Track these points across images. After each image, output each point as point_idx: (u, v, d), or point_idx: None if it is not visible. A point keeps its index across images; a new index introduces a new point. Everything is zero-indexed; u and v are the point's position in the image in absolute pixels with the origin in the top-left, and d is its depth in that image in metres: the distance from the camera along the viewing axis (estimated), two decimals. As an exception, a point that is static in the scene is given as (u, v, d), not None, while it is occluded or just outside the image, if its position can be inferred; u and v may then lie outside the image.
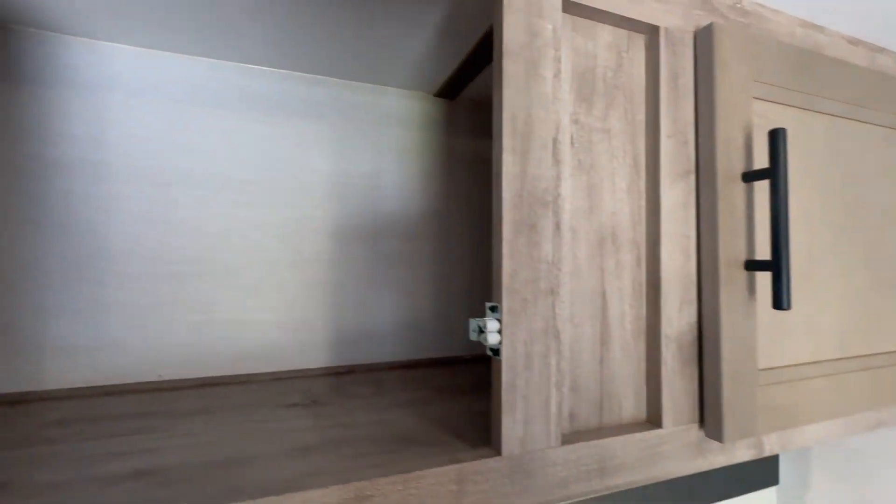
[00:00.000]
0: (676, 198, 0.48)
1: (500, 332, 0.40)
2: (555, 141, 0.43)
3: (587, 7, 0.45)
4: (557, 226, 0.43)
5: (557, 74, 0.43)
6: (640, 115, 0.49)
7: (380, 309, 0.81)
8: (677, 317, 0.48)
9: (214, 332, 0.70)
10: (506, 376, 0.40)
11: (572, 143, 0.46)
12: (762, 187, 0.51)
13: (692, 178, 0.50)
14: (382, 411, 0.54)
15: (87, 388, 0.62)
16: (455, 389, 0.65)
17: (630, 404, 0.48)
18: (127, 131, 0.66)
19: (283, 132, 0.75)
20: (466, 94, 0.87)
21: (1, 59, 0.60)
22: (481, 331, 0.41)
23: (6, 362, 0.59)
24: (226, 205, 0.72)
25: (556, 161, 0.43)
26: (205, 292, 0.70)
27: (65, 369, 0.62)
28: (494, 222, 0.41)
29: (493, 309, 0.41)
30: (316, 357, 0.76)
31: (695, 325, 0.49)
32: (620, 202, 0.48)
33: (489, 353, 0.41)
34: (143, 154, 0.67)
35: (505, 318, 0.40)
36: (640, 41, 0.50)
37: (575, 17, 0.46)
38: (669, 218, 0.48)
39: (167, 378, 0.67)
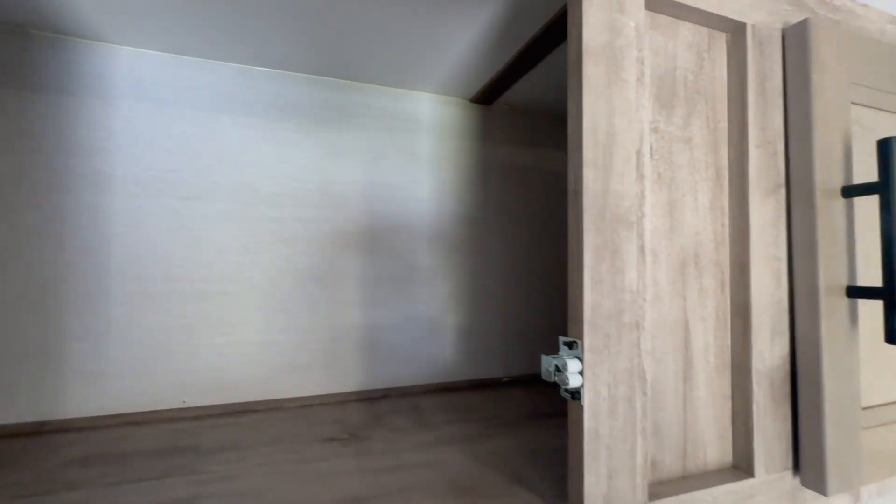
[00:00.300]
0: (766, 215, 0.43)
1: (581, 373, 0.35)
2: (638, 153, 0.37)
3: (670, 2, 0.40)
4: (642, 249, 0.38)
5: (640, 78, 0.38)
6: (723, 123, 0.44)
7: (414, 327, 0.76)
8: (769, 349, 0.42)
9: (241, 355, 0.66)
10: (588, 424, 0.34)
11: (652, 155, 0.41)
12: (861, 204, 0.46)
13: (782, 192, 0.44)
14: (430, 450, 0.49)
15: (110, 416, 0.58)
16: (501, 420, 0.59)
17: (715, 449, 0.42)
18: (152, 141, 0.63)
19: (315, 142, 0.71)
20: (503, 100, 0.82)
21: (21, 65, 0.57)
22: (559, 370, 0.36)
23: (27, 389, 0.55)
24: (253, 219, 0.67)
25: (640, 176, 0.38)
26: (231, 312, 0.66)
27: (87, 396, 0.58)
28: (572, 247, 0.36)
29: (571, 345, 0.36)
30: (348, 380, 0.71)
31: (787, 359, 0.43)
32: (703, 220, 0.43)
33: (565, 394, 0.36)
34: (168, 165, 0.63)
35: (587, 356, 0.35)
36: (721, 40, 0.45)
37: (656, 14, 0.41)
38: (758, 238, 0.43)
39: (192, 405, 0.63)
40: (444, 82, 0.74)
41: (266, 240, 0.68)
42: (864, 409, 0.45)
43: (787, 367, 0.43)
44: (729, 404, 0.43)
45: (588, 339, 0.35)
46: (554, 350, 0.86)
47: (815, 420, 0.41)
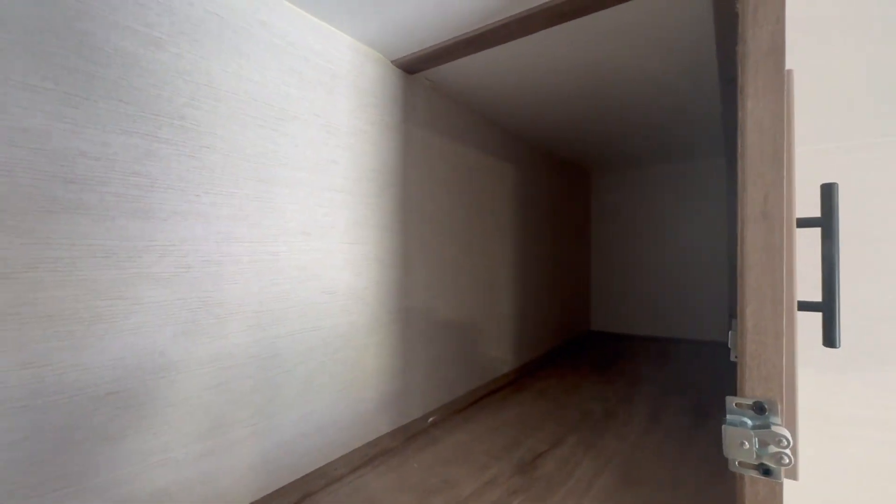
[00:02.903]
0: None
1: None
2: None
3: None
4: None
5: None
6: None
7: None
8: None
9: None
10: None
11: None
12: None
13: None
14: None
15: None
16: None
17: None
18: None
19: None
20: (427, 74, 0.65)
21: None
22: (763, 444, 0.28)
23: None
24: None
25: None
26: None
27: None
28: (764, 270, 0.29)
29: (760, 409, 0.29)
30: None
31: None
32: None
33: (746, 470, 0.29)
34: None
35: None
36: None
37: None
38: None
39: None
40: (376, 28, 0.52)
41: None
42: None
43: None
44: None
45: (788, 399, 0.28)
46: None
47: None
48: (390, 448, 0.57)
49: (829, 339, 0.38)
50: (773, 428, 0.28)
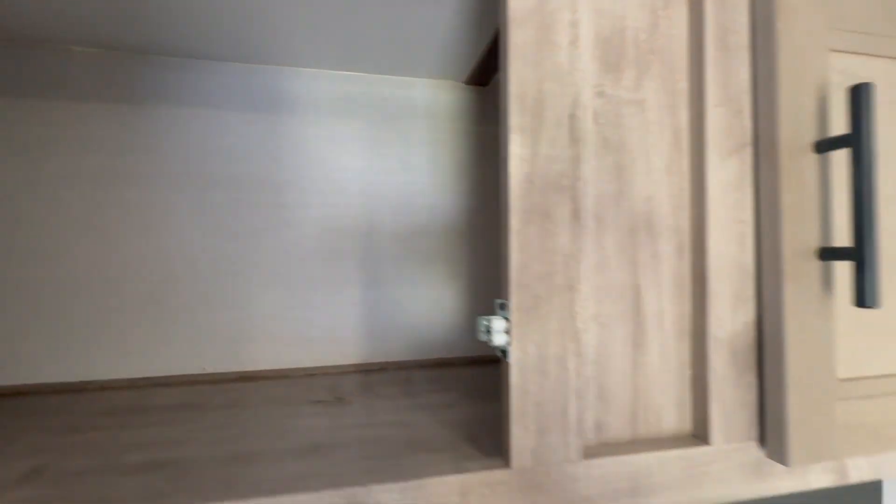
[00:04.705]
0: (727, 177, 0.41)
1: (507, 332, 0.36)
2: (571, 117, 0.38)
3: (610, -39, 0.39)
4: (576, 213, 0.38)
5: (574, 41, 0.38)
6: (683, 83, 0.43)
7: (413, 307, 0.80)
8: (730, 317, 0.41)
9: (254, 328, 0.73)
10: (515, 380, 0.36)
11: (596, 120, 0.40)
12: (842, 160, 0.42)
13: (748, 152, 0.42)
14: (403, 412, 0.52)
15: (142, 378, 0.67)
16: (483, 392, 0.61)
17: (672, 416, 0.42)
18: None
19: (317, 132, 0.76)
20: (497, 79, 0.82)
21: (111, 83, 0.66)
22: (488, 330, 0.37)
23: (73, 353, 0.65)
24: (263, 206, 0.74)
25: (574, 140, 0.38)
26: (244, 290, 0.73)
27: (125, 362, 0.67)
28: (502, 211, 0.37)
29: (503, 306, 0.38)
30: (349, 353, 0.76)
31: (753, 326, 0.42)
32: (657, 184, 0.42)
33: (498, 354, 0.38)
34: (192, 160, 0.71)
35: (514, 316, 0.36)
36: (680, -4, 0.43)
37: (596, -25, 0.40)
38: (719, 201, 0.41)
39: (210, 371, 0.71)
40: (436, 65, 0.76)
41: (274, 225, 0.74)
42: (844, 380, 0.42)
43: (753, 334, 0.42)
44: (688, 372, 0.42)
45: (515, 299, 0.36)
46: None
47: (777, 388, 0.39)
48: (457, 363, 0.79)
49: (861, 296, 0.41)
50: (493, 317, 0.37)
